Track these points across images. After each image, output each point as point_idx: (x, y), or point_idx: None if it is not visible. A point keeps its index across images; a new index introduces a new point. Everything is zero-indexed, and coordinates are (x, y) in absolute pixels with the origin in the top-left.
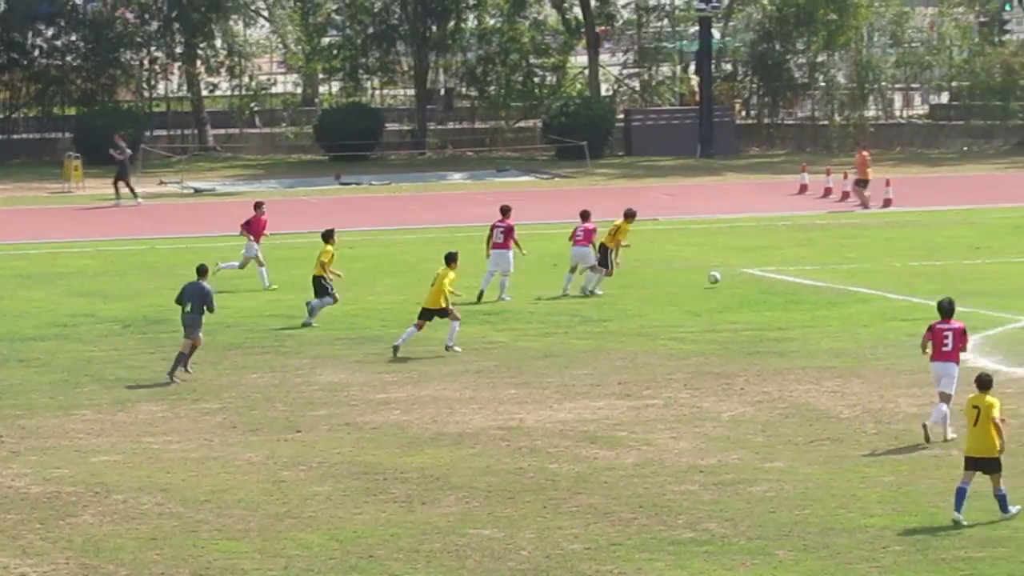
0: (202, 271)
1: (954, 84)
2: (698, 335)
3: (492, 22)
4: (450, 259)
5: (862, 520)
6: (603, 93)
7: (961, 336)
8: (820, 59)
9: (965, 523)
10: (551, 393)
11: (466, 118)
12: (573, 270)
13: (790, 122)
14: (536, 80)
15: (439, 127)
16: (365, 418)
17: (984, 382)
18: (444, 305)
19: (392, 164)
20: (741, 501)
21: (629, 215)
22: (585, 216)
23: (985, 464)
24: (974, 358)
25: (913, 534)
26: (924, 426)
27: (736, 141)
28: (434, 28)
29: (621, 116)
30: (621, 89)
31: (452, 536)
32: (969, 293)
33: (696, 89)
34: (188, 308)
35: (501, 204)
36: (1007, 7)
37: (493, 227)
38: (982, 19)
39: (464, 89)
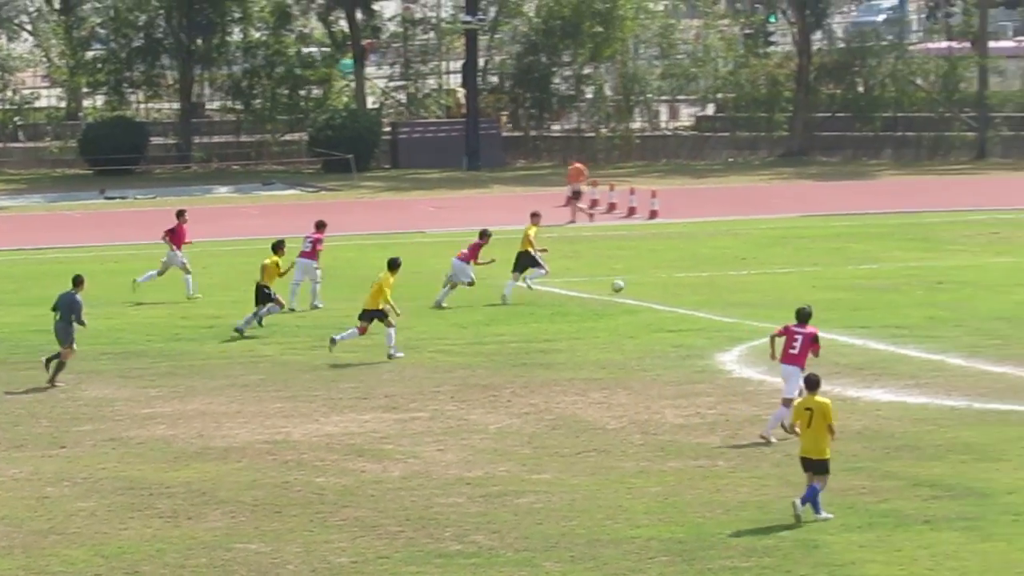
0: (77, 281)
1: (719, 96)
2: (464, 347)
3: (258, 35)
4: (393, 264)
5: (629, 531)
6: (370, 106)
7: (811, 342)
8: (586, 71)
9: (831, 516)
10: (318, 407)
11: (232, 131)
12: (449, 283)
13: (556, 134)
14: (302, 93)
15: (205, 140)
16: (130, 433)
17: (813, 383)
18: (381, 307)
19: (158, 178)
20: (508, 513)
21: (534, 216)
22: (320, 226)
23: (815, 465)
24: (739, 368)
25: (679, 544)
26: (762, 436)
27: (503, 153)
28: (199, 41)
29: (388, 129)
30: (388, 102)
31: (218, 551)
32: (735, 304)
33: (462, 101)
34: (58, 317)
35: (317, 219)
36: (771, 19)
37: (305, 238)
38: (747, 31)
39: (230, 103)
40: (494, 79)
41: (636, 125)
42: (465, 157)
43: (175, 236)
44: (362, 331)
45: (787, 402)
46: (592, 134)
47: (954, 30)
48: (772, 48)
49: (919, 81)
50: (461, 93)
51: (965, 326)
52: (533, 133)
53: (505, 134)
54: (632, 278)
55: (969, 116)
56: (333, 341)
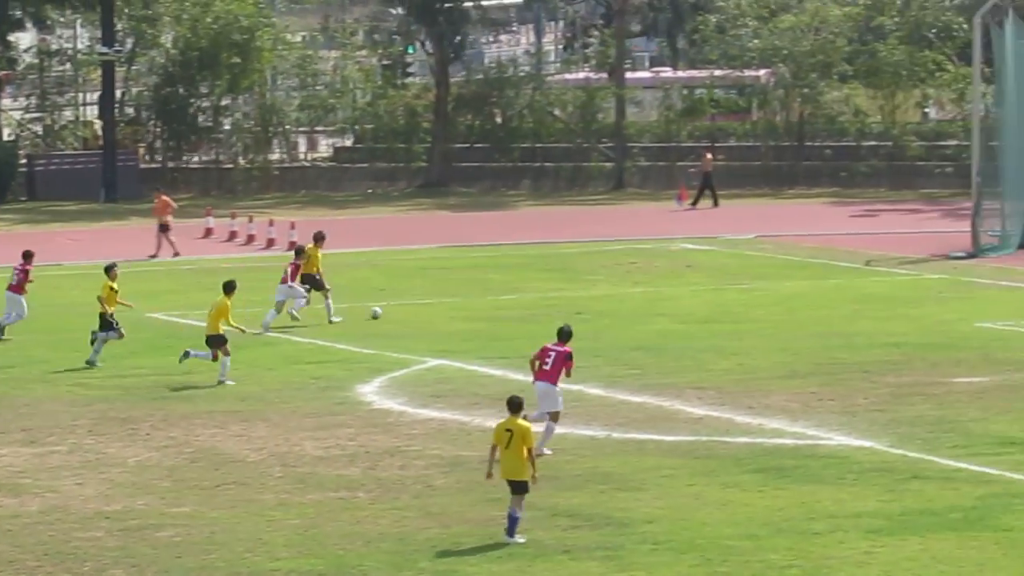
0: None
1: (357, 127)
2: (103, 380)
3: None
4: (228, 288)
5: (269, 564)
6: (5, 138)
7: (564, 360)
8: (224, 102)
9: (524, 540)
10: None
11: None
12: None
13: (195, 166)
14: None
15: None
16: None
17: (516, 404)
18: (219, 332)
19: None
20: (147, 547)
21: (318, 238)
22: (27, 257)
23: (514, 486)
24: (380, 400)
25: None
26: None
27: (141, 185)
28: None
29: (24, 161)
30: (24, 134)
31: None
32: (374, 335)
33: (100, 133)
34: None
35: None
36: (409, 50)
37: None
38: (385, 62)
39: None
40: (131, 111)
41: (275, 156)
42: (103, 189)
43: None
44: (214, 357)
45: (555, 416)
46: (231, 165)
47: (591, 61)
48: (410, 79)
49: (557, 112)
50: (98, 125)
51: (604, 356)
52: (171, 165)
53: (143, 166)
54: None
55: (607, 146)
56: (185, 353)
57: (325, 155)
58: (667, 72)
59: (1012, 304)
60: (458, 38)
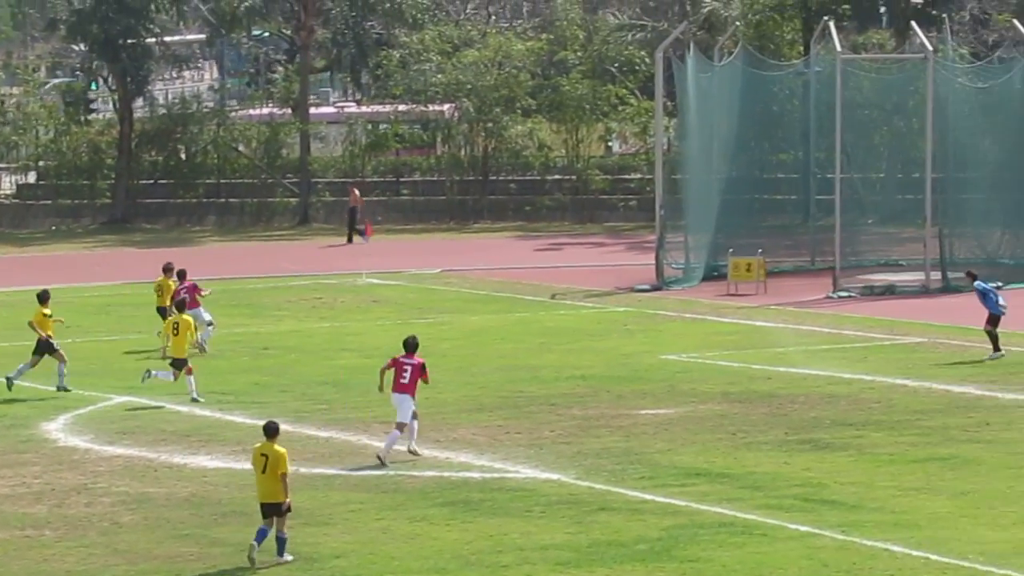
0: None
1: (41, 163)
2: None
3: None
4: (41, 298)
5: None
6: None
7: (420, 371)
8: None
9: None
10: None
11: None
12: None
13: None
14: None
15: None
16: None
17: (272, 430)
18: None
19: None
20: None
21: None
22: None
23: (272, 508)
24: (65, 437)
25: None
26: (378, 457)
27: None
28: None
29: None
30: None
31: None
32: (54, 373)
33: None
34: None
35: None
36: (93, 86)
37: None
38: (68, 99)
39: None
40: None
41: None
42: None
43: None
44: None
45: (400, 426)
46: None
47: (276, 96)
48: (94, 115)
49: (241, 147)
50: None
51: (291, 391)
52: None
53: None
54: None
55: (292, 182)
56: (8, 380)
57: (8, 192)
58: (351, 107)
59: (696, 336)
60: (141, 73)
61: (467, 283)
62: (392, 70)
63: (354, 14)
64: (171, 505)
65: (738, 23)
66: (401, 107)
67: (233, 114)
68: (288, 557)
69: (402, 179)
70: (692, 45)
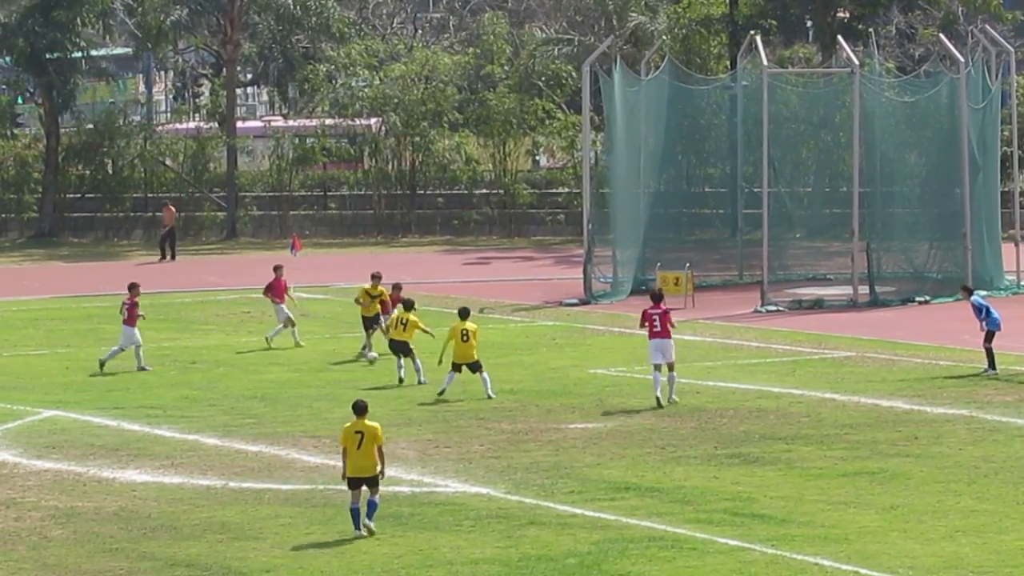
0: None
1: None
2: None
3: None
4: None
5: None
6: None
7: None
8: None
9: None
10: None
11: None
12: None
13: None
14: None
15: None
16: None
17: (361, 408)
18: None
19: None
20: None
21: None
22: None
23: (368, 481)
24: None
25: None
26: None
27: None
28: None
29: None
30: None
31: None
32: None
33: None
34: None
35: None
36: (19, 100)
37: None
38: None
39: None
40: None
41: None
42: None
43: (275, 290)
44: None
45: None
46: None
47: (203, 110)
48: (20, 129)
49: (168, 161)
50: None
51: (219, 405)
52: None
53: None
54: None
55: (219, 196)
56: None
57: None
58: (278, 121)
59: (624, 350)
60: (68, 88)
61: None
62: (319, 84)
63: (281, 28)
64: (100, 519)
65: (664, 37)
66: (328, 121)
67: (160, 128)
68: (373, 525)
69: (329, 193)
70: (619, 59)
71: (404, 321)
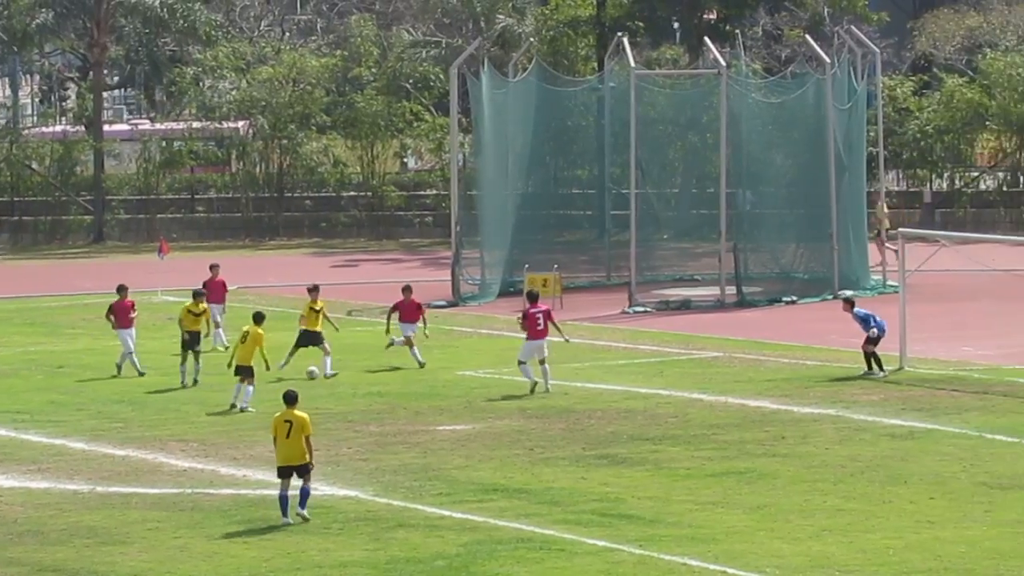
0: None
1: None
2: None
3: None
4: None
5: None
6: None
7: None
8: None
9: (291, 523)
10: None
11: None
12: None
13: None
14: None
15: None
16: None
17: (291, 398)
18: None
19: None
20: None
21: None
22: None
23: (297, 470)
24: None
25: None
26: None
27: None
28: None
29: None
30: None
31: None
32: None
33: None
34: None
35: None
36: None
37: None
38: None
39: None
40: None
41: None
42: None
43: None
44: None
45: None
46: None
47: (69, 114)
48: None
49: (35, 165)
50: None
51: (87, 410)
52: None
53: None
54: None
55: (86, 200)
56: None
57: None
58: (145, 124)
59: (493, 352)
60: None
61: (263, 300)
62: (186, 87)
63: (147, 31)
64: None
65: (532, 39)
66: (195, 124)
67: (26, 132)
68: (307, 513)
69: (197, 196)
70: (486, 61)
71: (245, 337)
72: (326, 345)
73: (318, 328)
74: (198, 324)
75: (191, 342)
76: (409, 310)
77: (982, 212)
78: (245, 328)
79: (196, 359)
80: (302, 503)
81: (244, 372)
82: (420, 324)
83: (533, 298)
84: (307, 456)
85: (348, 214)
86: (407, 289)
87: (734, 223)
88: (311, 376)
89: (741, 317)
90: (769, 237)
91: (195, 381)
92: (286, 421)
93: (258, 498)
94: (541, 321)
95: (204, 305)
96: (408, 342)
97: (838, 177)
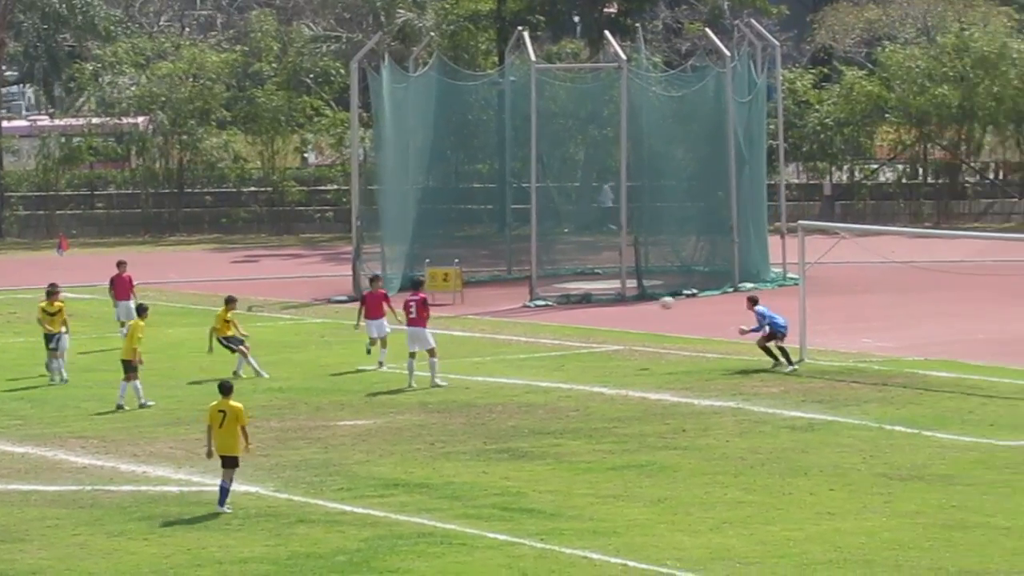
0: None
1: None
2: None
3: None
4: None
5: None
6: None
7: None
8: None
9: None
10: None
11: None
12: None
13: None
14: None
15: None
16: None
17: (227, 388)
18: None
19: None
20: None
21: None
22: None
23: (232, 461)
24: None
25: None
26: None
27: None
28: None
29: None
30: None
31: None
32: None
33: None
34: None
35: None
36: None
37: None
38: None
39: None
40: None
41: None
42: None
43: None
44: None
45: None
46: None
47: None
48: None
49: None
50: None
51: None
52: None
53: None
54: None
55: None
56: None
57: None
58: (44, 120)
59: (393, 346)
60: None
61: (164, 296)
62: (85, 83)
63: (46, 27)
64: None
65: (432, 34)
66: (95, 120)
67: None
68: (227, 508)
69: (96, 192)
70: (387, 56)
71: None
72: (243, 347)
73: (231, 333)
74: (55, 323)
75: (48, 341)
76: (375, 302)
77: (881, 204)
78: (130, 322)
79: (53, 357)
80: (221, 501)
81: (126, 367)
82: (387, 318)
83: (415, 286)
84: (239, 447)
85: (248, 209)
86: (375, 279)
87: (634, 216)
88: (665, 306)
89: (642, 310)
90: (670, 230)
91: (63, 379)
92: (220, 411)
93: (158, 494)
94: (414, 309)
95: (59, 303)
96: (374, 343)
97: (738, 170)
